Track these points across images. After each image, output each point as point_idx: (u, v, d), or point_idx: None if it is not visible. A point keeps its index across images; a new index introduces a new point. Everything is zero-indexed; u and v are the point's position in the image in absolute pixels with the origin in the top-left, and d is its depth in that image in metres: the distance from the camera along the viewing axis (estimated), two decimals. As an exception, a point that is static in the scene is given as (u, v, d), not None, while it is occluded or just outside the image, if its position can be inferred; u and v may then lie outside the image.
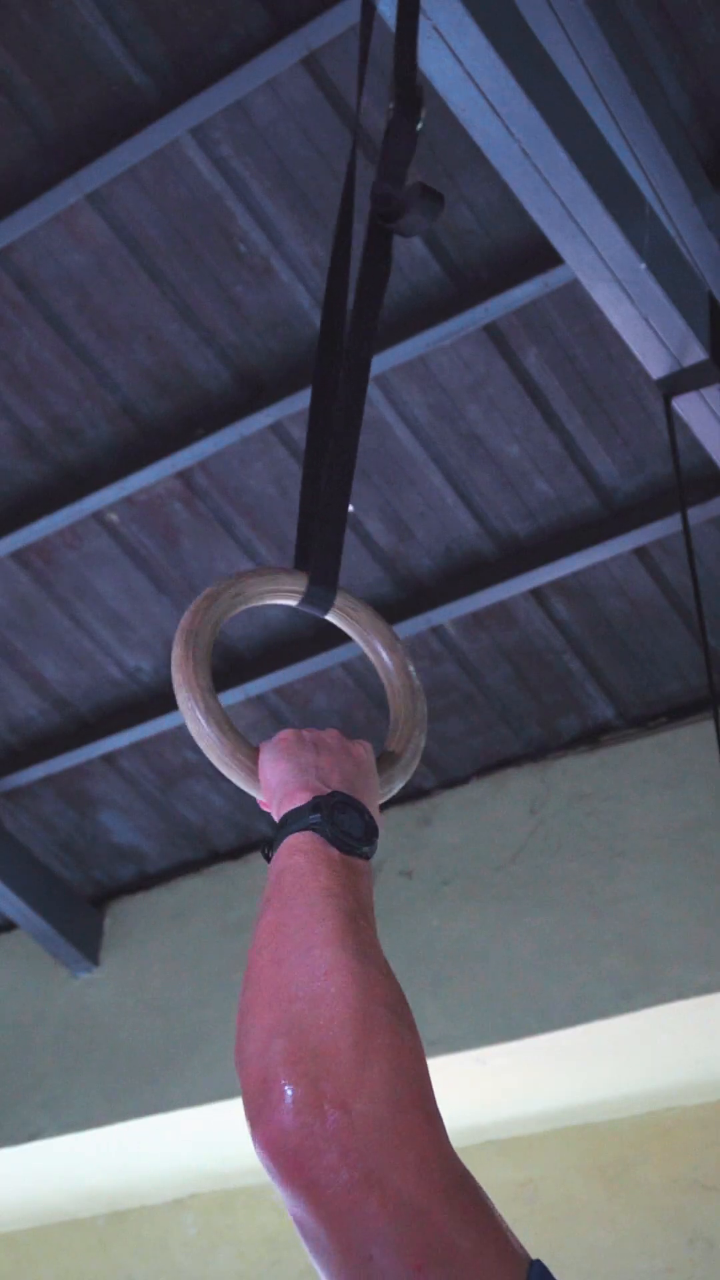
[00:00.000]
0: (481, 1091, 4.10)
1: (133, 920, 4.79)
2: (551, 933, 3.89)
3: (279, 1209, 4.77)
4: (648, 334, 2.67)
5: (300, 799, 1.17)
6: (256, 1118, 0.95)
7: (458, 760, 4.24)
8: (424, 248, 3.32)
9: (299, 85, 3.11)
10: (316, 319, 3.49)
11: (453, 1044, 3.87)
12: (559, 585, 3.87)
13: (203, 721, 1.30)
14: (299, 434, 3.69)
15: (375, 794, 1.26)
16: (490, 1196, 0.95)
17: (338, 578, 1.45)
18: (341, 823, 1.13)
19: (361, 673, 4.14)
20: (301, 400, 3.57)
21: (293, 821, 1.15)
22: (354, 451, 1.51)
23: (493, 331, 3.44)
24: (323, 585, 1.44)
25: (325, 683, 4.17)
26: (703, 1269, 3.95)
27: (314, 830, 1.13)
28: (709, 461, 3.27)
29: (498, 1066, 3.96)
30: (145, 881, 4.83)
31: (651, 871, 3.83)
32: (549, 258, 3.14)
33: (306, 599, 1.44)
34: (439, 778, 4.26)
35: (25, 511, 3.94)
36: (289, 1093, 0.94)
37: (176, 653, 1.33)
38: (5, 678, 4.38)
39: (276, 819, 1.18)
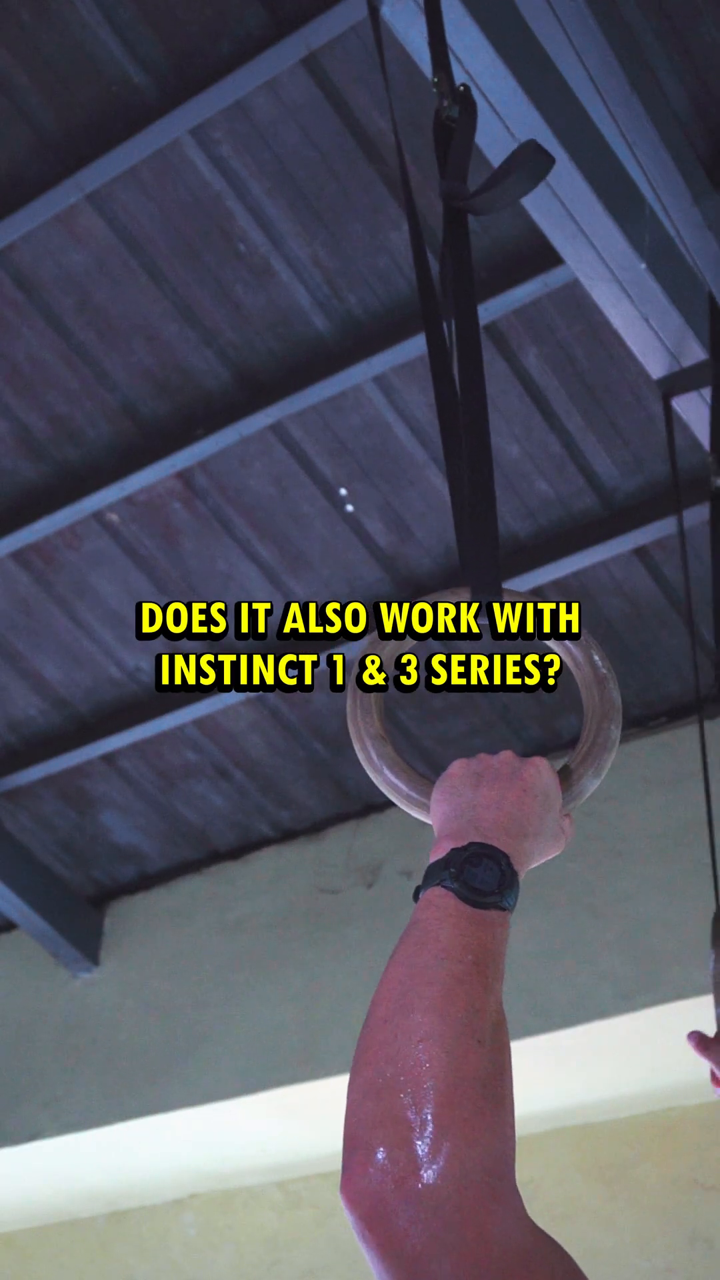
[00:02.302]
0: (481, 1091, 4.09)
1: (133, 920, 4.79)
2: (551, 933, 3.89)
3: (279, 1209, 4.78)
4: (647, 334, 2.67)
5: (442, 850, 1.19)
6: (344, 1170, 1.00)
7: (458, 760, 4.23)
8: (424, 248, 3.32)
9: (299, 85, 3.11)
10: (316, 318, 3.49)
11: (453, 1044, 3.86)
12: (559, 585, 3.87)
13: (378, 768, 1.34)
14: (299, 434, 3.70)
15: (547, 815, 1.26)
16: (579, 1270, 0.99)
17: (499, 583, 1.44)
18: (472, 878, 1.14)
19: (361, 673, 4.14)
20: (301, 400, 3.57)
21: (430, 876, 1.17)
22: (489, 460, 1.51)
23: (493, 331, 3.44)
24: (486, 594, 1.44)
25: (326, 682, 4.17)
26: (703, 1269, 3.95)
27: (444, 887, 1.14)
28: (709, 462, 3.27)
29: (498, 1066, 3.95)
30: (145, 881, 4.82)
31: (651, 871, 3.83)
32: (549, 258, 3.14)
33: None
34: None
35: (25, 511, 3.94)
36: (370, 1156, 0.98)
37: (348, 703, 1.37)
38: (5, 678, 4.38)
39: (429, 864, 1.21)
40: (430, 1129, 0.98)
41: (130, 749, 4.48)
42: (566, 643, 1.44)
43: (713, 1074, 1.91)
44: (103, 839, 4.75)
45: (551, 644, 1.45)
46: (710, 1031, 2.01)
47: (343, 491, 3.80)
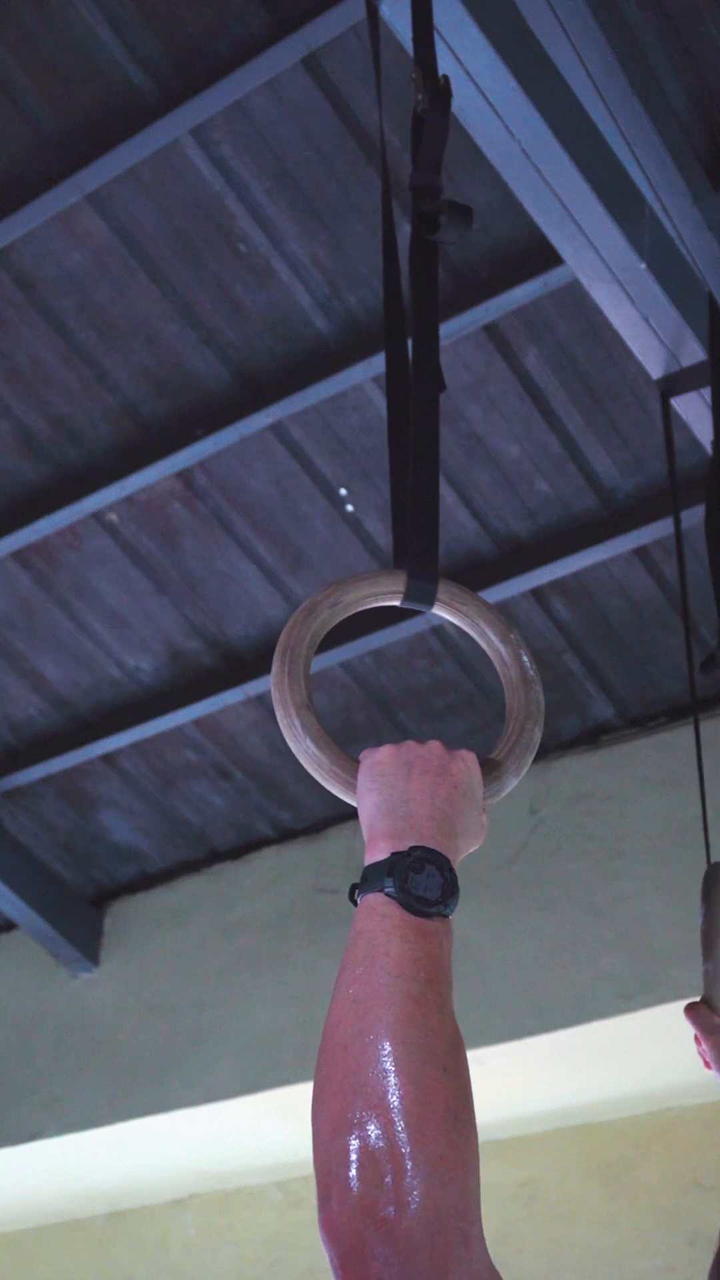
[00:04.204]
0: (481, 1091, 4.06)
1: (133, 920, 4.79)
2: (551, 933, 3.89)
3: (279, 1209, 4.78)
4: (647, 334, 2.67)
5: (381, 850, 1.16)
6: (321, 1205, 1.01)
7: (458, 760, 4.23)
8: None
9: (299, 85, 3.11)
10: (316, 319, 3.49)
11: (453, 1044, 3.87)
12: (559, 585, 3.87)
13: (301, 738, 1.31)
14: (299, 434, 3.70)
15: (472, 811, 1.25)
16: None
17: (437, 570, 1.43)
18: (415, 886, 1.12)
19: (361, 673, 4.14)
20: (301, 400, 3.57)
21: (371, 880, 1.15)
22: (435, 449, 1.50)
23: (493, 331, 3.44)
24: (422, 579, 1.42)
25: (325, 682, 4.17)
26: (702, 1269, 3.94)
27: (387, 894, 1.12)
28: (708, 461, 3.27)
29: (497, 1066, 3.95)
30: (145, 881, 4.83)
31: (651, 871, 3.83)
32: (549, 258, 3.14)
33: (408, 596, 1.42)
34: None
35: (25, 511, 3.94)
36: (347, 1194, 0.99)
37: (274, 668, 1.33)
38: (5, 678, 4.38)
39: (365, 863, 1.18)
40: (406, 1168, 0.98)
41: (130, 749, 4.48)
42: (496, 643, 1.43)
43: (696, 1037, 1.87)
44: (103, 839, 4.75)
45: (482, 642, 1.45)
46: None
47: (343, 491, 3.80)
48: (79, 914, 4.77)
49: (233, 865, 4.66)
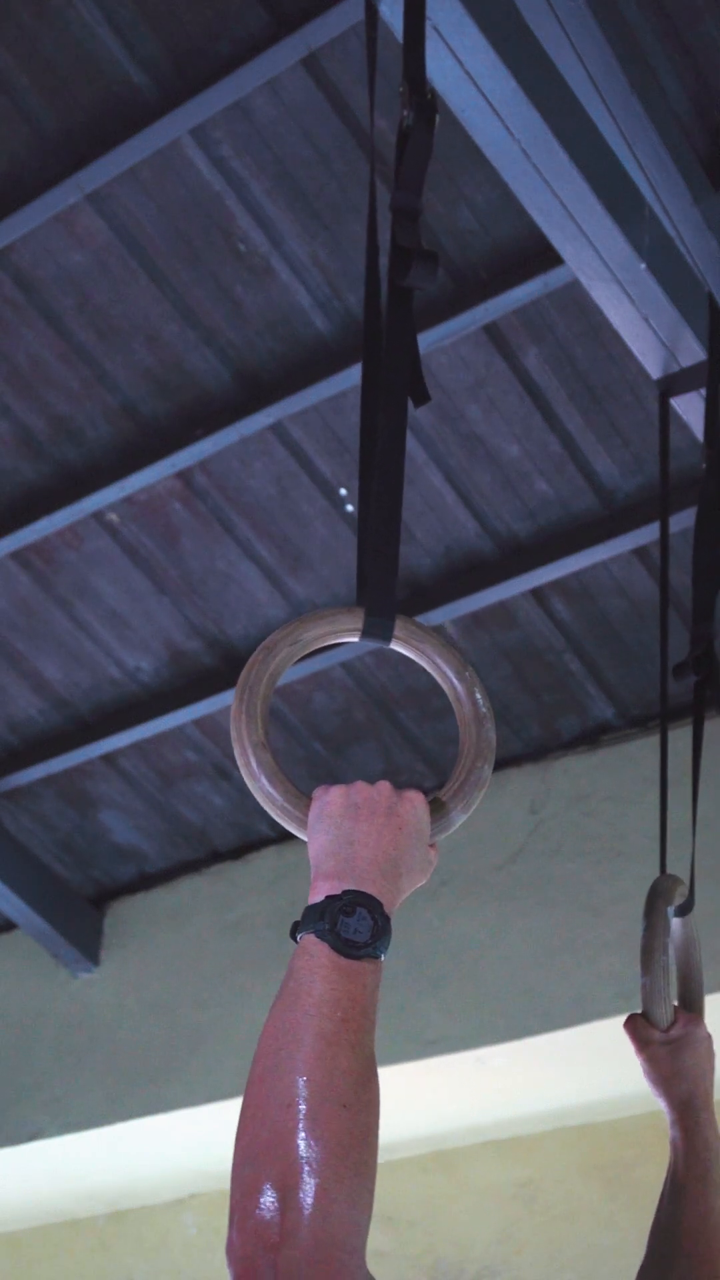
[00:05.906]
0: (481, 1091, 4.09)
1: (133, 920, 4.79)
2: (551, 933, 3.89)
3: (279, 1209, 4.78)
4: (647, 334, 2.67)
5: (320, 891, 1.21)
6: (228, 1230, 1.07)
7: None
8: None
9: (299, 85, 3.11)
10: (316, 319, 3.49)
11: (452, 1044, 3.87)
12: (559, 585, 3.87)
13: (256, 776, 1.34)
14: (298, 434, 3.70)
15: (418, 850, 1.27)
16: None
17: (394, 607, 1.45)
18: (345, 928, 1.17)
19: (361, 672, 4.14)
20: (301, 400, 3.57)
21: (306, 921, 1.20)
22: (399, 488, 1.52)
23: (493, 331, 3.44)
24: (380, 616, 1.44)
25: (325, 682, 4.17)
26: (703, 1269, 3.94)
27: (318, 936, 1.17)
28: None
29: (497, 1066, 3.95)
30: (145, 881, 4.83)
31: (651, 871, 3.80)
32: (549, 258, 3.14)
33: (366, 633, 1.44)
34: (438, 777, 4.26)
35: (25, 511, 3.94)
36: (245, 1222, 1.05)
37: (233, 707, 1.37)
38: (5, 678, 4.38)
39: (308, 903, 1.22)
40: (292, 1200, 1.03)
41: (130, 749, 4.48)
42: (452, 679, 1.45)
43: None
44: (103, 839, 4.75)
45: (438, 678, 1.47)
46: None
47: (343, 491, 3.80)
48: (79, 914, 4.77)
49: (233, 865, 4.66)
